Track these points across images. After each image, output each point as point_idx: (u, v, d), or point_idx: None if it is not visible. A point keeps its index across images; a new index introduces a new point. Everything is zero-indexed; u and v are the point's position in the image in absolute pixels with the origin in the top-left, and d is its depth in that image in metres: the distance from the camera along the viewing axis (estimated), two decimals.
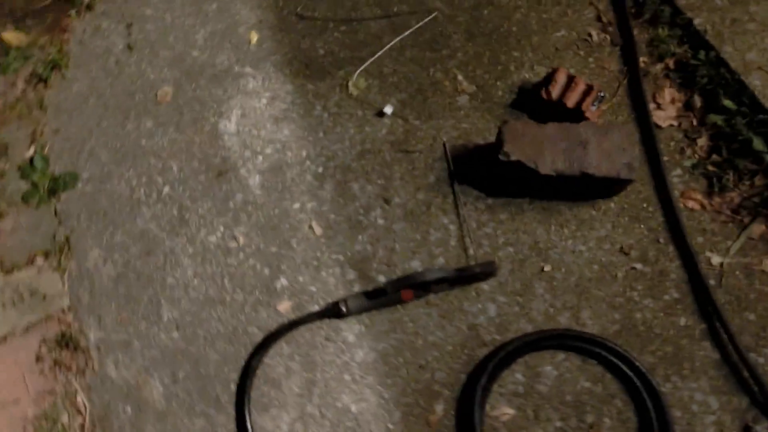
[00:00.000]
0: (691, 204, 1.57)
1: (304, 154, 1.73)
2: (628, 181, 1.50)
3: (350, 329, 1.58)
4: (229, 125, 1.78)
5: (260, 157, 1.74)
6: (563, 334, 1.49)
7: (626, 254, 1.56)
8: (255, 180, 1.72)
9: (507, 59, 1.74)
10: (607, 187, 1.54)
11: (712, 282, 1.51)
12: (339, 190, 1.69)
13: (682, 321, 1.50)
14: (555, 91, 1.60)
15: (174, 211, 1.71)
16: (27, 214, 1.75)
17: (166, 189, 1.73)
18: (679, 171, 1.61)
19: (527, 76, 1.72)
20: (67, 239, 1.71)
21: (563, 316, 1.54)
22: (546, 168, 1.49)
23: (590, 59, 1.72)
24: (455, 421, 1.49)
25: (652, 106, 1.63)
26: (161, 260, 1.66)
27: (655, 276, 1.54)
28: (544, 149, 1.50)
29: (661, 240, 1.57)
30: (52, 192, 1.76)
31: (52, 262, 1.70)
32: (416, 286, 1.53)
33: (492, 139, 1.67)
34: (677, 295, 1.52)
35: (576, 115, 1.59)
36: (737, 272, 1.52)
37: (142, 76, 1.85)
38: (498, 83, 1.72)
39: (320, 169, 1.71)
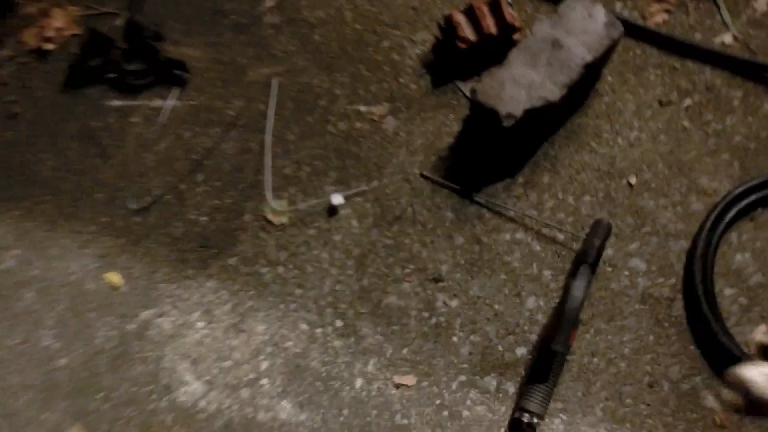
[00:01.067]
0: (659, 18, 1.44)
1: (304, 327, 1.26)
2: (620, 38, 1.31)
3: (552, 425, 1.16)
4: (192, 386, 1.23)
5: (265, 381, 1.22)
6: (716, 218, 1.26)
7: (670, 103, 1.38)
8: (286, 407, 1.20)
9: (384, 54, 1.45)
10: (603, 61, 1.34)
11: None
12: (382, 319, 1.25)
13: None
14: (469, 33, 1.36)
15: None
16: None
17: None
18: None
19: (418, 51, 1.45)
20: None
21: (689, 199, 1.30)
22: (555, 93, 1.24)
23: None
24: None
25: None
26: None
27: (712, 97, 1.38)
28: (532, 78, 1.25)
29: (677, 66, 1.41)
30: None
31: None
32: (576, 319, 1.17)
33: (458, 128, 1.38)
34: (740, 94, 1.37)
35: (505, 33, 1.37)
36: None
37: None
38: (402, 80, 1.43)
39: (339, 323, 1.26)
